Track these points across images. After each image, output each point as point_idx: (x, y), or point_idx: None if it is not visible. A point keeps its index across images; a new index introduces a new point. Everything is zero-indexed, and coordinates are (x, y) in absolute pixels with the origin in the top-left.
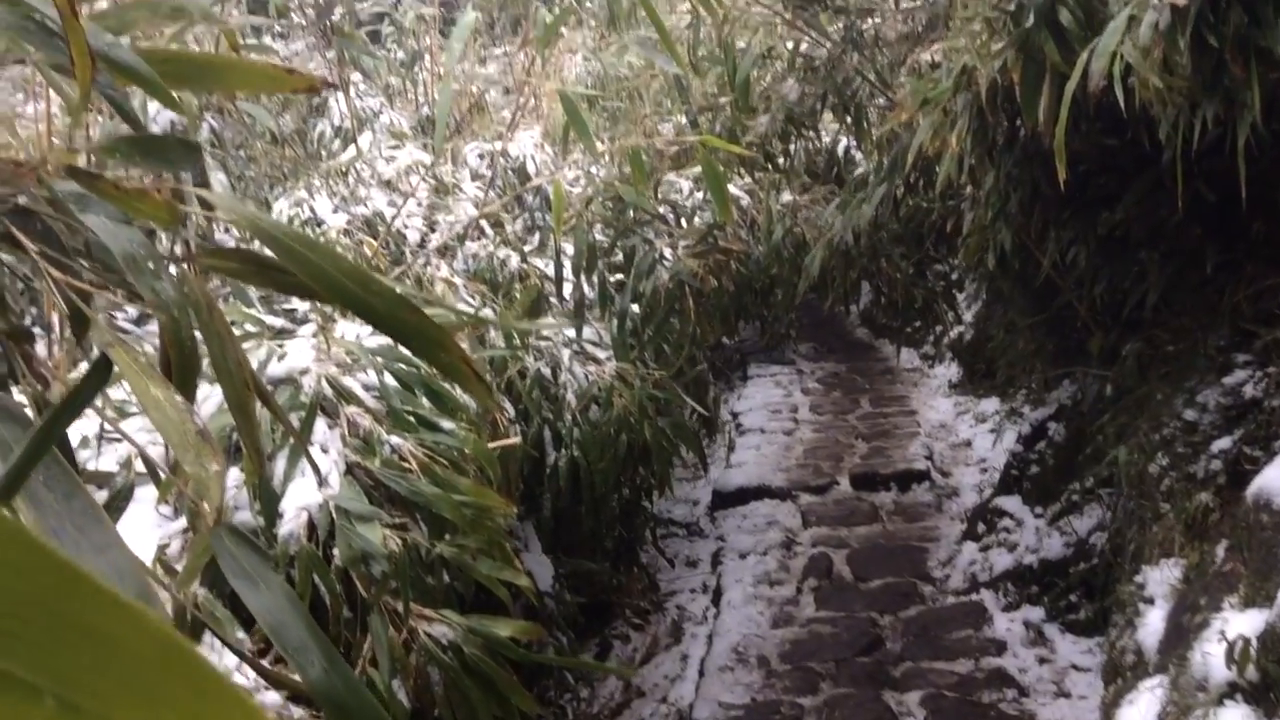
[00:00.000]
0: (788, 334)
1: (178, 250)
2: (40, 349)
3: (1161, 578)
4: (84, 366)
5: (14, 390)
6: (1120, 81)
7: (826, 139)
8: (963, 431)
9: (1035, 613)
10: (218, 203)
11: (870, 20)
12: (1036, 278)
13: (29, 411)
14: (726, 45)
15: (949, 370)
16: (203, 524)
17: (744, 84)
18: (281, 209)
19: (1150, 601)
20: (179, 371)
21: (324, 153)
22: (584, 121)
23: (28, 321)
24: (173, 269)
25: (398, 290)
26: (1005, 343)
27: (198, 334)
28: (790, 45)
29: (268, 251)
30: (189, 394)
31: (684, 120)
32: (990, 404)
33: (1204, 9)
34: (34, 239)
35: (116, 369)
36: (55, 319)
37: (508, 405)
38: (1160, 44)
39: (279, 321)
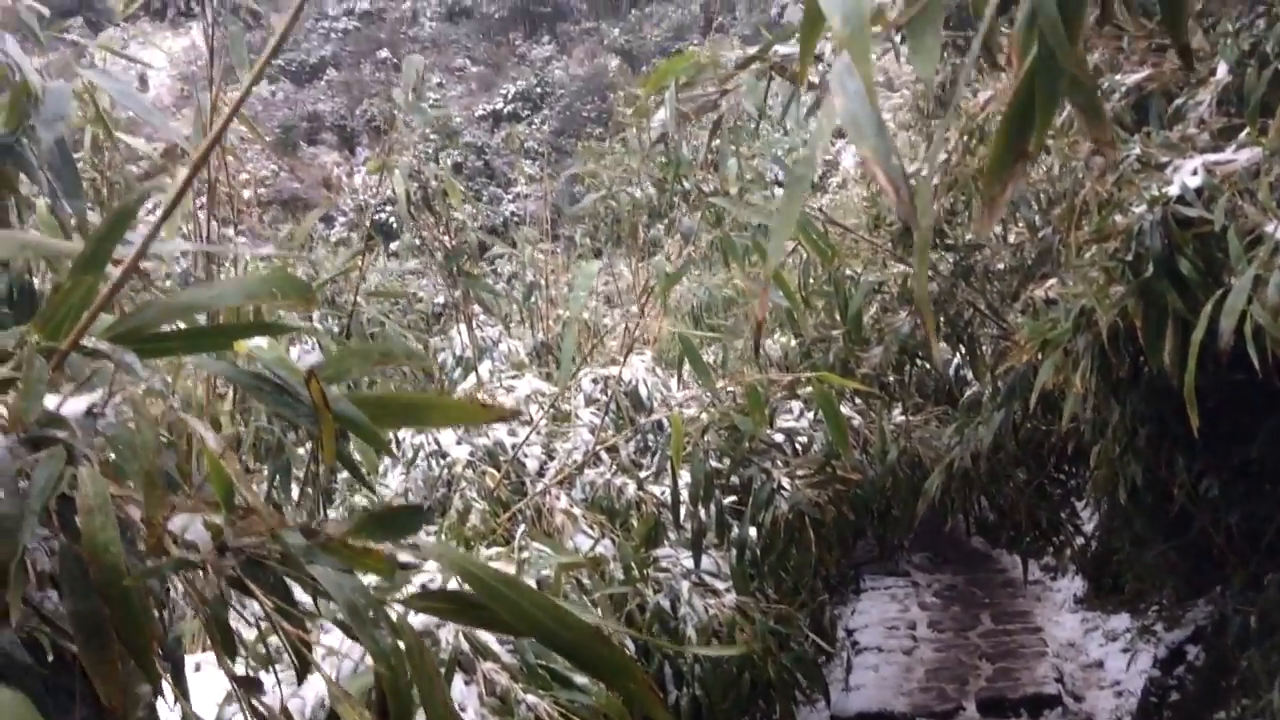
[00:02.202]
0: (901, 545)
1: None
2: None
3: None
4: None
5: None
6: (1251, 340)
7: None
8: (1093, 651)
9: None
10: (428, 552)
11: (979, 254)
12: (1169, 507)
13: None
14: (836, 279)
15: (1073, 584)
16: None
17: (856, 317)
18: (406, 441)
19: None
20: (396, 715)
21: (446, 381)
22: (702, 362)
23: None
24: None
25: (589, 621)
26: (1132, 556)
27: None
28: (900, 278)
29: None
30: None
31: (793, 343)
32: (1120, 621)
33: None
34: (266, 590)
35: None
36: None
37: (628, 642)
38: None
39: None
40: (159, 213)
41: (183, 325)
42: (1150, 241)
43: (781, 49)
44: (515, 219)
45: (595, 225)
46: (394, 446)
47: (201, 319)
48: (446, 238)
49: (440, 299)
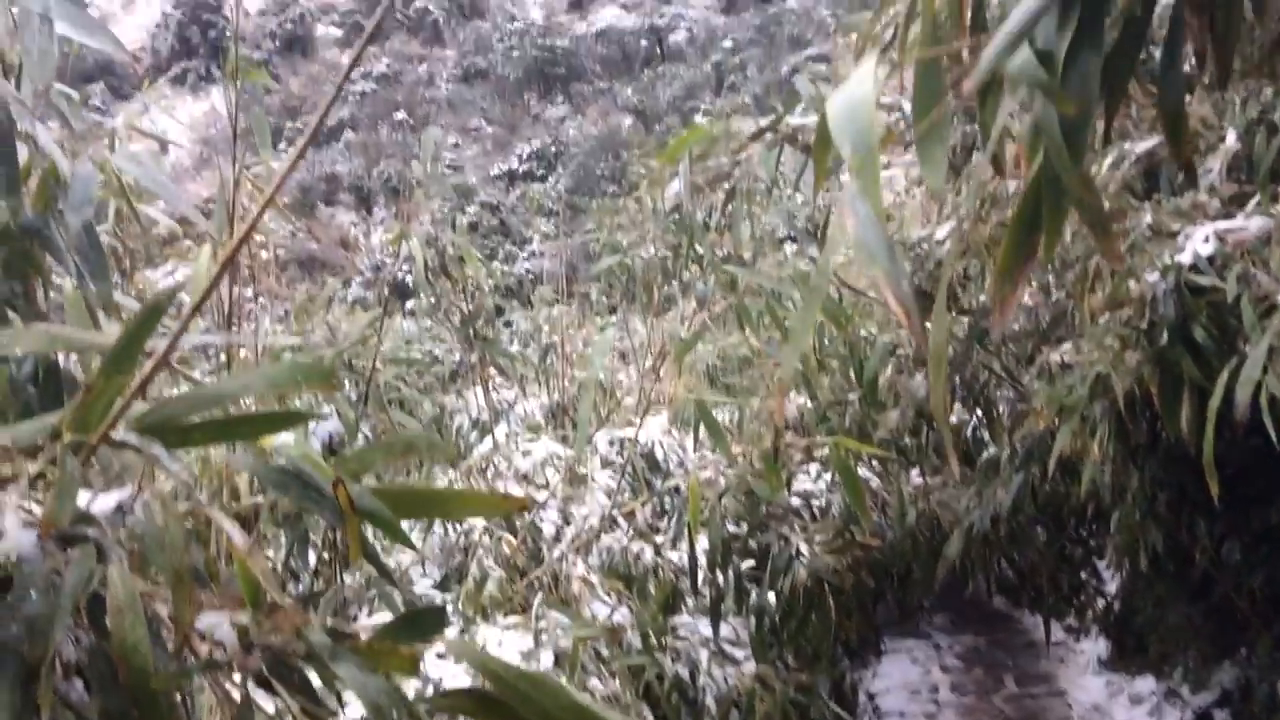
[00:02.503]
0: (922, 606)
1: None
2: None
3: None
4: None
5: None
6: (1267, 410)
7: (953, 420)
8: (1119, 715)
9: None
10: (453, 650)
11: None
12: (1191, 572)
13: None
14: (851, 341)
15: (1096, 645)
16: None
17: (871, 380)
18: None
19: None
20: None
21: (462, 444)
22: (718, 427)
23: None
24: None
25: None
26: (1155, 618)
27: None
28: (915, 341)
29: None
30: None
31: (808, 404)
32: (1145, 684)
33: None
34: (291, 690)
35: None
36: None
37: (647, 712)
38: None
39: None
40: (184, 281)
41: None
42: (1164, 309)
43: (793, 120)
44: (530, 276)
45: (610, 283)
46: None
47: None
48: (463, 302)
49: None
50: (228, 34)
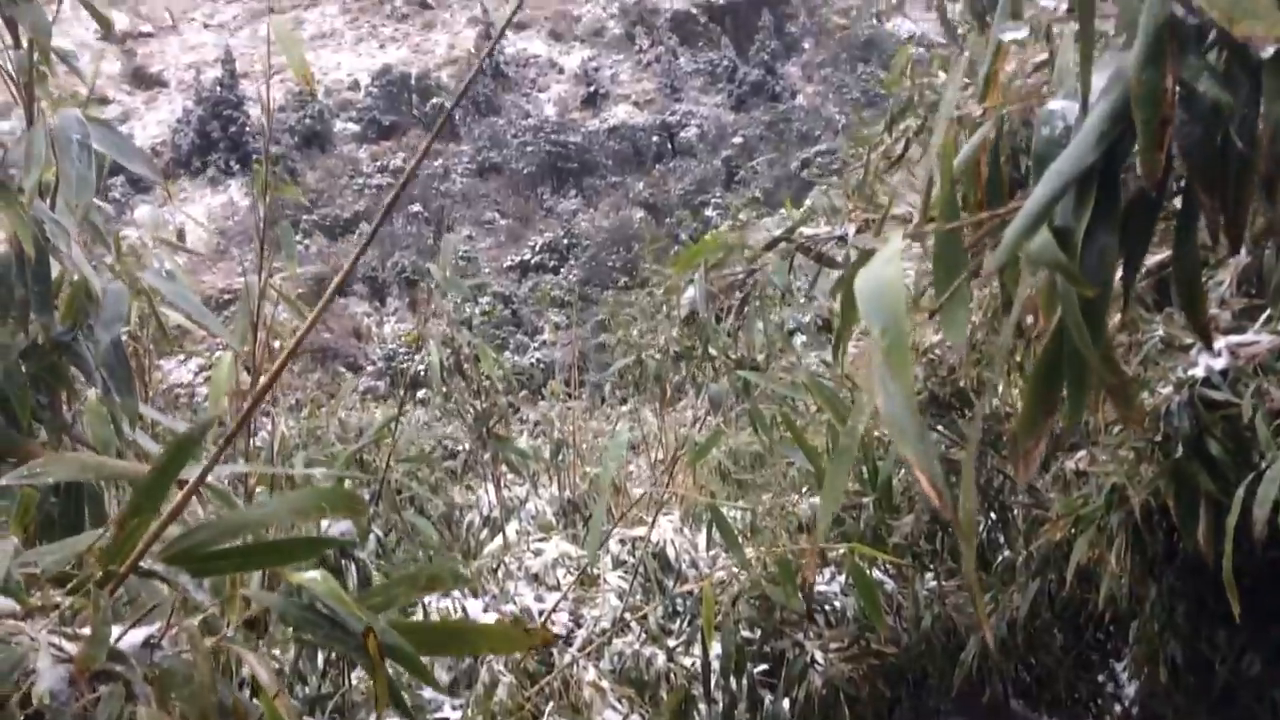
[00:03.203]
0: (938, 711)
1: None
2: None
3: None
4: None
5: None
6: None
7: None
8: None
9: None
10: None
11: (1007, 424)
12: (1212, 683)
13: None
14: (866, 447)
15: None
16: None
17: (886, 484)
18: (433, 605)
19: None
20: None
21: (473, 542)
22: (732, 533)
23: None
24: None
25: None
26: None
27: None
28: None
29: None
30: None
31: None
32: None
33: None
34: None
35: None
36: None
37: None
38: None
39: None
40: (214, 418)
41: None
42: (1178, 423)
43: (806, 230)
44: (541, 366)
45: (621, 373)
46: (419, 612)
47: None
48: (478, 400)
49: (465, 445)
50: (247, 129)
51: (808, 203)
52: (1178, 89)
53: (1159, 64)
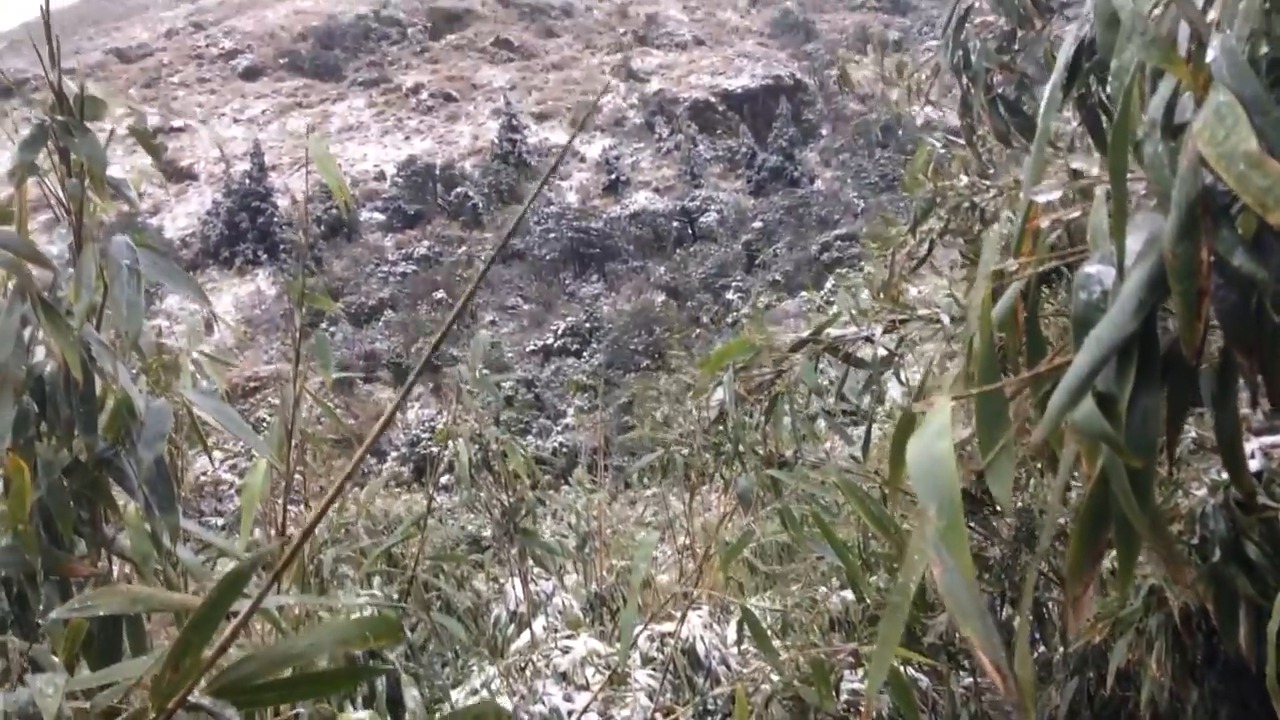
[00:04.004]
0: None
1: None
2: None
3: None
4: None
5: None
6: None
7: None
8: None
9: None
10: None
11: (1040, 517)
12: None
13: None
14: (900, 543)
15: None
16: None
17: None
18: (459, 699)
19: None
20: None
21: (499, 638)
22: (765, 635)
23: None
24: None
25: None
26: None
27: None
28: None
29: None
30: None
31: (853, 600)
32: None
33: None
34: None
35: None
36: None
37: None
38: None
39: None
40: (263, 554)
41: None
42: (1214, 526)
43: (833, 330)
44: (565, 450)
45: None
46: (446, 708)
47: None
48: (504, 495)
49: (488, 530)
50: (275, 220)
51: (828, 285)
52: (1213, 259)
53: (1194, 238)
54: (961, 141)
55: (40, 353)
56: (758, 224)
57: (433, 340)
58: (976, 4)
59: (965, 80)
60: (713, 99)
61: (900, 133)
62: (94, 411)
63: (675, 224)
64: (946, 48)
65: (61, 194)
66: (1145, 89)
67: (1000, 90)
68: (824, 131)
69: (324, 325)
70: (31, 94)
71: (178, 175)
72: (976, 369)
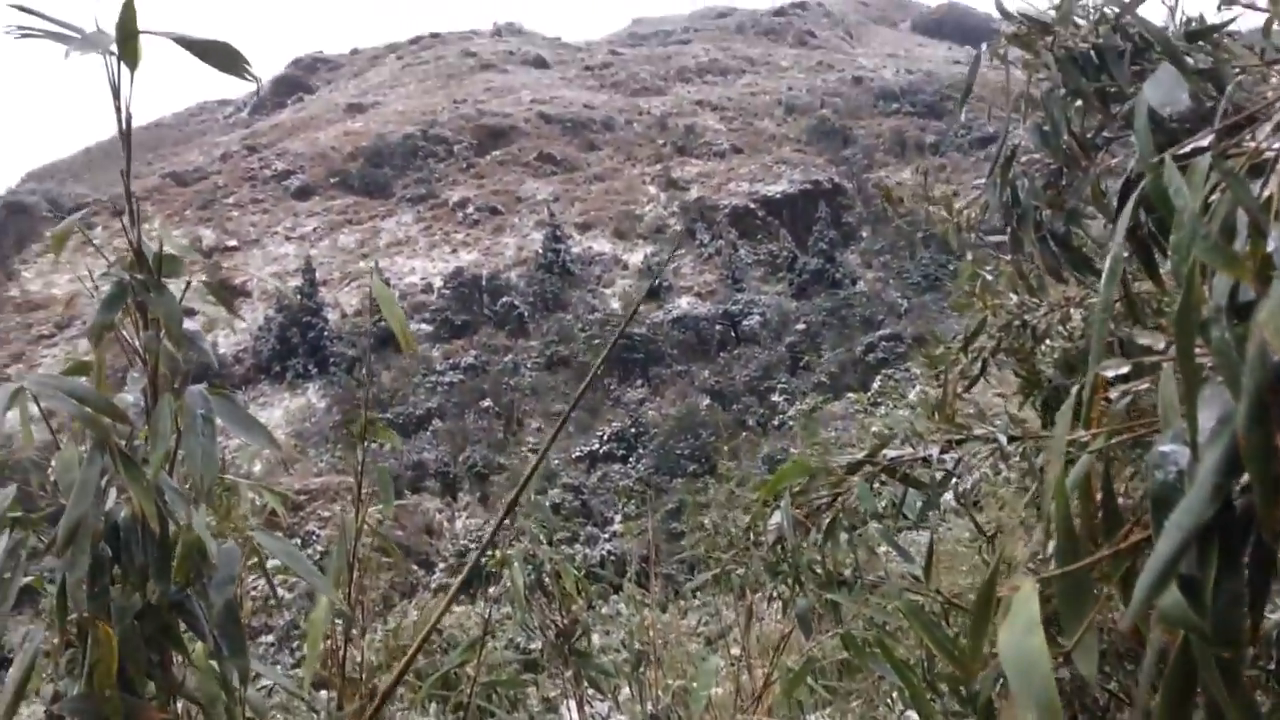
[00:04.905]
0: None
1: None
2: None
3: None
4: None
5: None
6: None
7: None
8: None
9: None
10: None
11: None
12: None
13: None
14: (966, 662)
15: None
16: None
17: (986, 706)
18: None
19: None
20: None
21: None
22: None
23: None
24: None
25: None
26: None
27: None
28: None
29: None
30: None
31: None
32: None
33: None
34: None
35: None
36: None
37: None
38: None
39: None
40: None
41: None
42: None
43: (889, 452)
44: (613, 557)
45: (694, 566)
46: None
47: None
48: (559, 617)
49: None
50: (325, 334)
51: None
52: None
53: (1265, 423)
54: (1007, 257)
55: (111, 495)
56: (801, 326)
57: (478, 448)
58: (1022, 143)
59: (1014, 217)
60: (752, 204)
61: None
62: (169, 559)
63: (718, 328)
64: (994, 186)
65: (137, 343)
66: (1207, 270)
67: (1050, 227)
68: (864, 234)
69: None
70: (92, 217)
71: (232, 292)
72: (1056, 545)
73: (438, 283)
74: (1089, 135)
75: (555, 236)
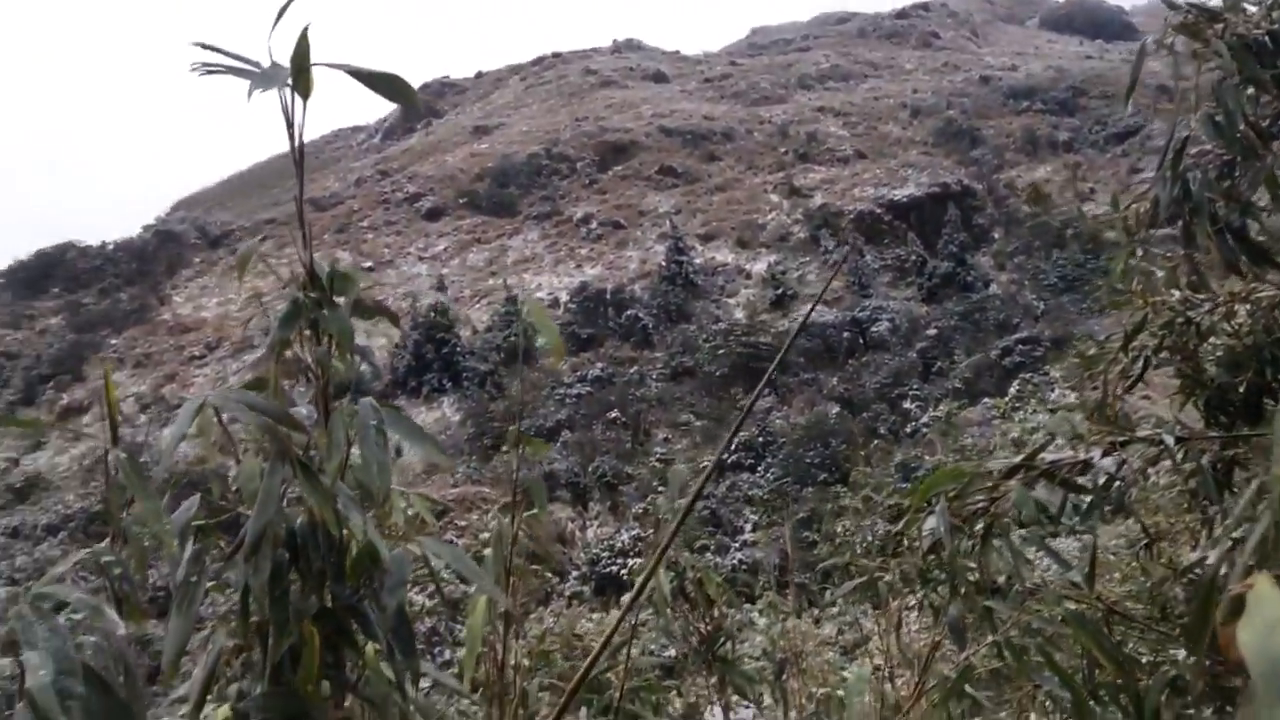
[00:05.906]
0: None
1: None
2: None
3: None
4: None
5: None
6: None
7: None
8: None
9: None
10: None
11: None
12: None
13: None
14: (1127, 673)
15: None
16: None
17: (1154, 712)
18: None
19: None
20: None
21: None
22: None
23: None
24: None
25: None
26: None
27: None
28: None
29: None
30: None
31: None
32: None
33: None
34: None
35: None
36: None
37: None
38: None
39: None
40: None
41: None
42: None
43: (1047, 455)
44: (744, 566)
45: (829, 574)
46: None
47: None
48: (702, 624)
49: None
50: (458, 349)
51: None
52: None
53: None
54: (1169, 252)
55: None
56: (932, 331)
57: (607, 458)
58: (1192, 134)
59: (1187, 211)
60: (878, 209)
61: (1078, 232)
62: (344, 563)
63: (845, 334)
64: (1164, 180)
65: (309, 358)
66: None
67: (1225, 220)
68: (996, 235)
69: (505, 448)
70: (236, 244)
71: (368, 312)
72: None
73: (564, 297)
74: (1265, 124)
75: (678, 248)
